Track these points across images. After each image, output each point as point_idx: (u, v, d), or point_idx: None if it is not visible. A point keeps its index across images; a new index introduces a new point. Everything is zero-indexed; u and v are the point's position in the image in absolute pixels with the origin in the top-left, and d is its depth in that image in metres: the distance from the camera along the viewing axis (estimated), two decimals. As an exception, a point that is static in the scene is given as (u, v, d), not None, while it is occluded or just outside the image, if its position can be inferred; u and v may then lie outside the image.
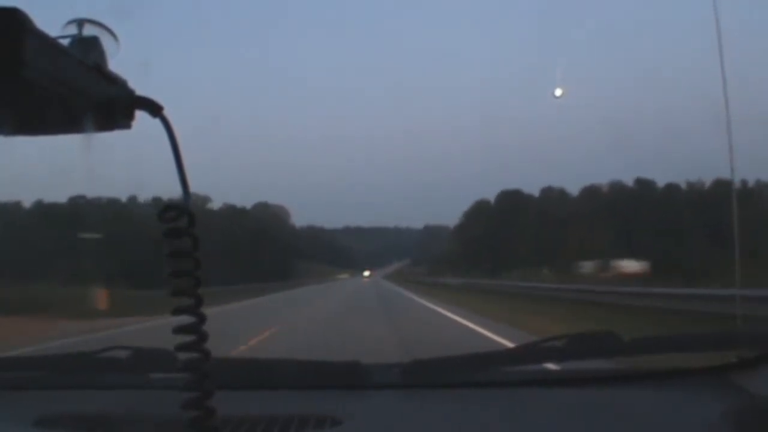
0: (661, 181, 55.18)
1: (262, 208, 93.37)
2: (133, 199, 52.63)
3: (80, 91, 0.56)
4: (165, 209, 0.62)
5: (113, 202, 50.69)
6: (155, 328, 9.53)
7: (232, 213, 68.98)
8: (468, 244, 63.15)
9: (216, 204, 72.09)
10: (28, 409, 1.34)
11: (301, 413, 1.24)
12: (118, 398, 1.45)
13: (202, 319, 0.64)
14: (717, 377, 1.40)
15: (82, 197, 46.58)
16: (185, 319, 0.63)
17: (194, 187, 0.63)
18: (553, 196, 61.99)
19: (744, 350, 1.46)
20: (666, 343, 1.69)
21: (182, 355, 0.65)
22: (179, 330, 0.64)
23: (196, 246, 0.63)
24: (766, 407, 1.24)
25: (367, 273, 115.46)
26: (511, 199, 64.25)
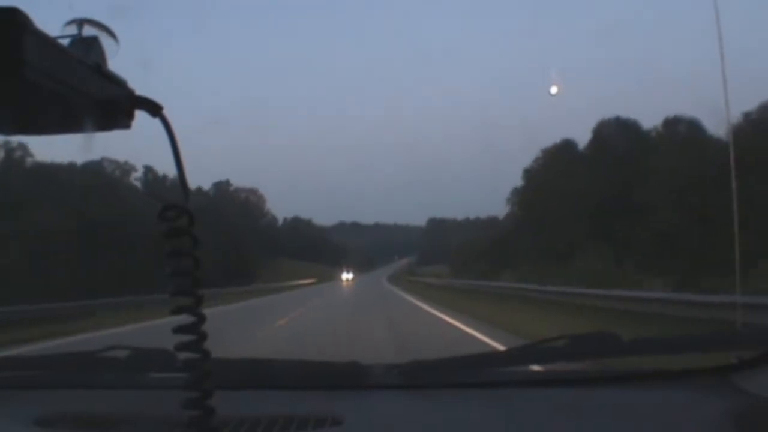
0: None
1: (224, 190, 70.11)
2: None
3: (80, 91, 0.56)
4: (165, 209, 0.62)
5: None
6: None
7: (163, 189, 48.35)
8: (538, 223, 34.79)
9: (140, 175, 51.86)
10: (28, 409, 1.34)
11: (301, 413, 1.24)
12: (118, 398, 1.45)
13: (201, 318, 0.64)
14: (717, 378, 1.40)
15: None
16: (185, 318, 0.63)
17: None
18: (682, 131, 31.79)
19: (744, 351, 1.46)
20: (666, 343, 1.69)
21: (182, 355, 0.65)
22: (179, 330, 0.64)
23: (196, 246, 0.63)
24: (766, 408, 1.24)
25: (347, 275, 72.42)
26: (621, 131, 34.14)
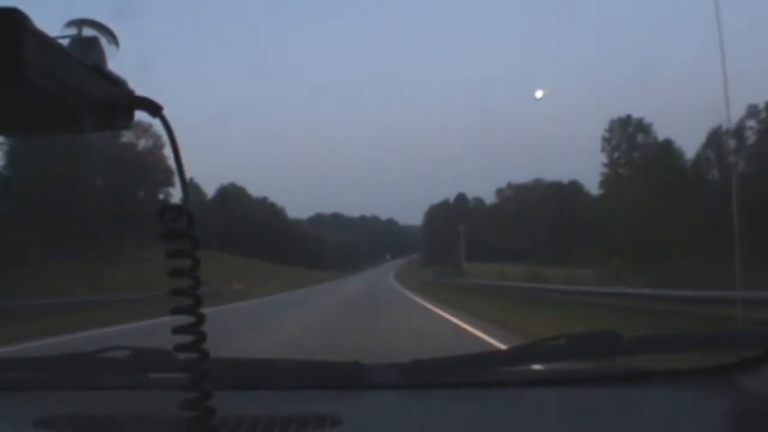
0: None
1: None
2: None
3: (80, 91, 0.56)
4: (164, 210, 0.62)
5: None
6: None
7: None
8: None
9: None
10: (28, 410, 1.34)
11: (301, 413, 1.24)
12: (118, 398, 1.45)
13: (200, 319, 0.64)
14: (717, 377, 1.40)
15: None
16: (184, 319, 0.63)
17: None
18: None
19: (744, 350, 1.46)
20: (666, 343, 1.69)
21: (181, 355, 0.65)
22: (178, 330, 0.64)
23: (196, 246, 0.63)
24: (766, 408, 1.24)
25: None
26: None
